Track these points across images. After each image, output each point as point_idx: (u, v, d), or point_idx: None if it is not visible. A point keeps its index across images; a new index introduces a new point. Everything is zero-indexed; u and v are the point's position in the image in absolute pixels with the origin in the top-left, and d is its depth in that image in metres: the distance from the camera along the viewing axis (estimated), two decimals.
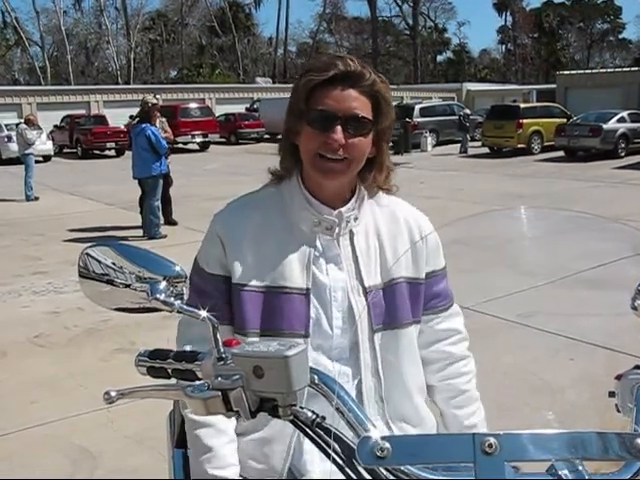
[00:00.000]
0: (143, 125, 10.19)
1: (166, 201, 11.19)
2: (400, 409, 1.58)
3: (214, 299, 1.48)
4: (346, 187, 1.57)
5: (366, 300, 1.53)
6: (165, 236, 10.47)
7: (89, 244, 1.26)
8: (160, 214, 10.63)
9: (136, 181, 10.93)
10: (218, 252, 1.55)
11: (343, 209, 1.55)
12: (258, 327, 1.51)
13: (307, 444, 1.49)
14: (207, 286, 1.54)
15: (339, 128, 1.43)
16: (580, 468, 0.92)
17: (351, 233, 1.57)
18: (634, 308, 1.31)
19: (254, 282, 1.52)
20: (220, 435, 1.50)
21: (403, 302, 1.58)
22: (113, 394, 1.05)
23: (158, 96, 28.18)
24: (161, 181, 10.50)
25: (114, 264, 1.18)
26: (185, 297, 1.16)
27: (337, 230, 1.55)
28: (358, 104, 1.45)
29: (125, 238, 10.26)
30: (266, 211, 1.57)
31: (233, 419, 1.51)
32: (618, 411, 1.18)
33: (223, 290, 1.54)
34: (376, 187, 1.62)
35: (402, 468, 0.93)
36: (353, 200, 1.57)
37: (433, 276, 1.65)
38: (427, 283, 1.64)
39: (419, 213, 1.69)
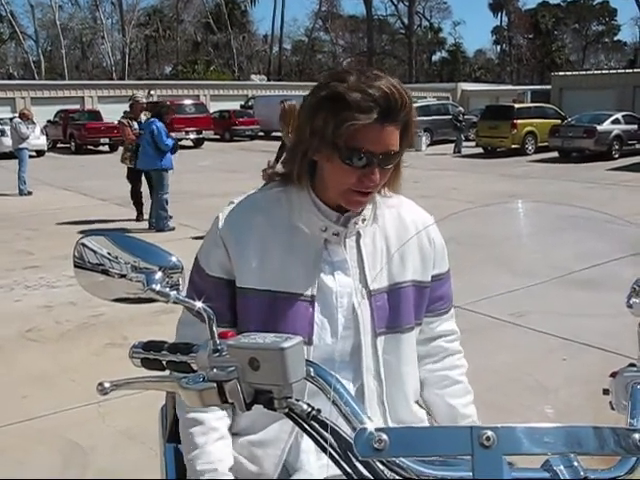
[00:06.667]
0: (152, 119, 10.37)
1: (138, 195, 11.33)
2: (399, 413, 1.57)
3: (213, 301, 1.46)
4: None
5: (370, 304, 1.52)
6: (173, 228, 10.58)
7: (83, 235, 1.26)
8: (168, 207, 10.66)
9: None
10: (220, 254, 1.51)
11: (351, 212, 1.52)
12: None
13: (304, 445, 1.48)
14: (207, 287, 1.50)
15: (377, 169, 1.41)
16: (575, 464, 0.93)
17: (358, 234, 1.55)
18: (629, 306, 1.31)
19: (259, 287, 1.49)
20: (209, 432, 1.48)
21: (408, 306, 1.57)
22: (107, 385, 1.04)
23: (153, 92, 28.11)
24: (166, 175, 10.57)
25: (109, 254, 1.17)
26: (181, 288, 1.15)
27: (344, 232, 1.52)
28: (394, 140, 1.41)
29: (119, 232, 10.22)
30: (272, 213, 1.53)
31: (226, 418, 1.52)
32: (612, 408, 1.18)
33: (224, 293, 1.51)
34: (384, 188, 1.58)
35: (398, 462, 0.93)
36: None
37: (438, 279, 1.65)
38: (432, 286, 1.63)
39: (426, 215, 1.67)
